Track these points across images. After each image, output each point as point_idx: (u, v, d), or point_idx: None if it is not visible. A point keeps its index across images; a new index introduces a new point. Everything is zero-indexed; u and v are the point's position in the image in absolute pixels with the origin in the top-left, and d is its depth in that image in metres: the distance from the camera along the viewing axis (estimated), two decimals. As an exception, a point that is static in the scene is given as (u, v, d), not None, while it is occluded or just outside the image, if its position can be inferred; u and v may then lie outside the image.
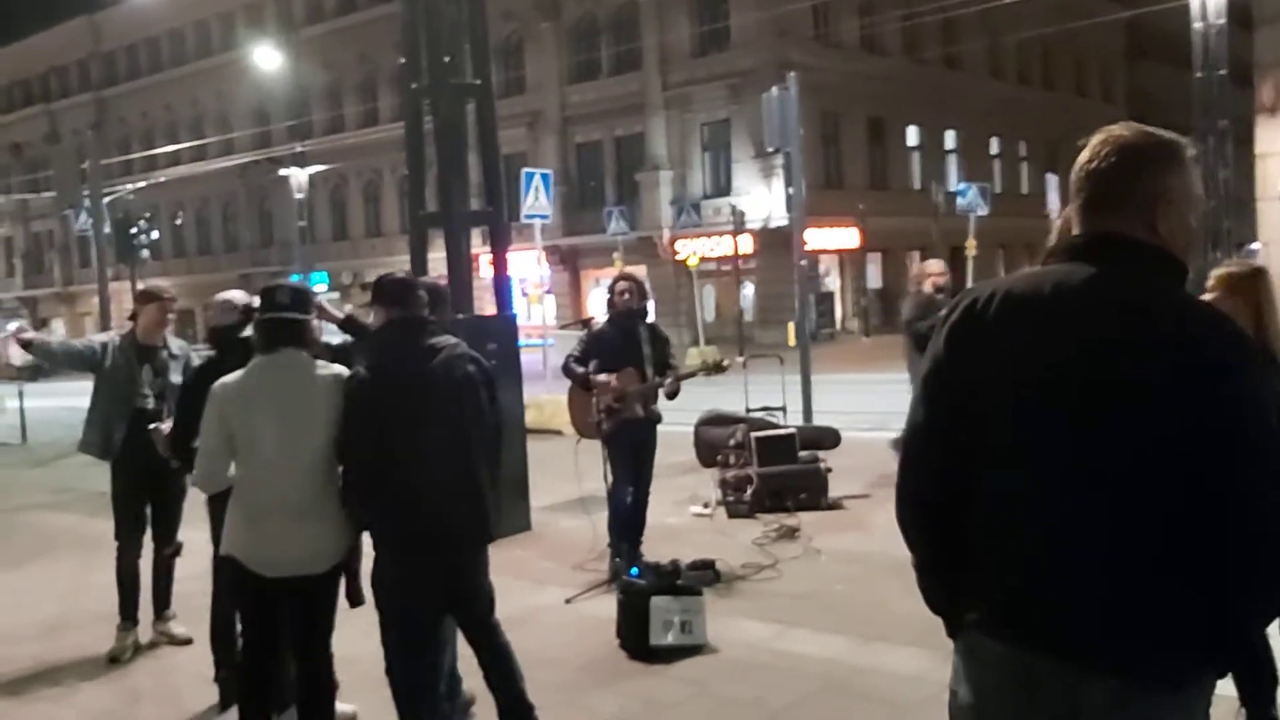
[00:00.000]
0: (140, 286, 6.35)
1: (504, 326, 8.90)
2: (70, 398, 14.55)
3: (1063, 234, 3.00)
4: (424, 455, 4.17)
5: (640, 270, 33.72)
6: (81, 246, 50.59)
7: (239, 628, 4.64)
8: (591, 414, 7.21)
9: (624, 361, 7.25)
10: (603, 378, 7.16)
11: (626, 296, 7.42)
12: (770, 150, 14.28)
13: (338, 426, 4.16)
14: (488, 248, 9.67)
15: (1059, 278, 2.10)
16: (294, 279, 14.71)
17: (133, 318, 6.36)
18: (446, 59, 8.90)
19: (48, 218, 57.54)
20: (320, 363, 4.28)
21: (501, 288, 9.19)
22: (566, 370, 7.43)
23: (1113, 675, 1.96)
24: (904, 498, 2.25)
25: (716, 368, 7.79)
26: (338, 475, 4.24)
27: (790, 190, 13.53)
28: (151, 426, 6.03)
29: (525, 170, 16.13)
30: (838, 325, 37.41)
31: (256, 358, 4.26)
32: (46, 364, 6.35)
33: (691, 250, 34.58)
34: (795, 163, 12.80)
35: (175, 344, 6.43)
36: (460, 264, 8.79)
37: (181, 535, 6.45)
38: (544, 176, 16.04)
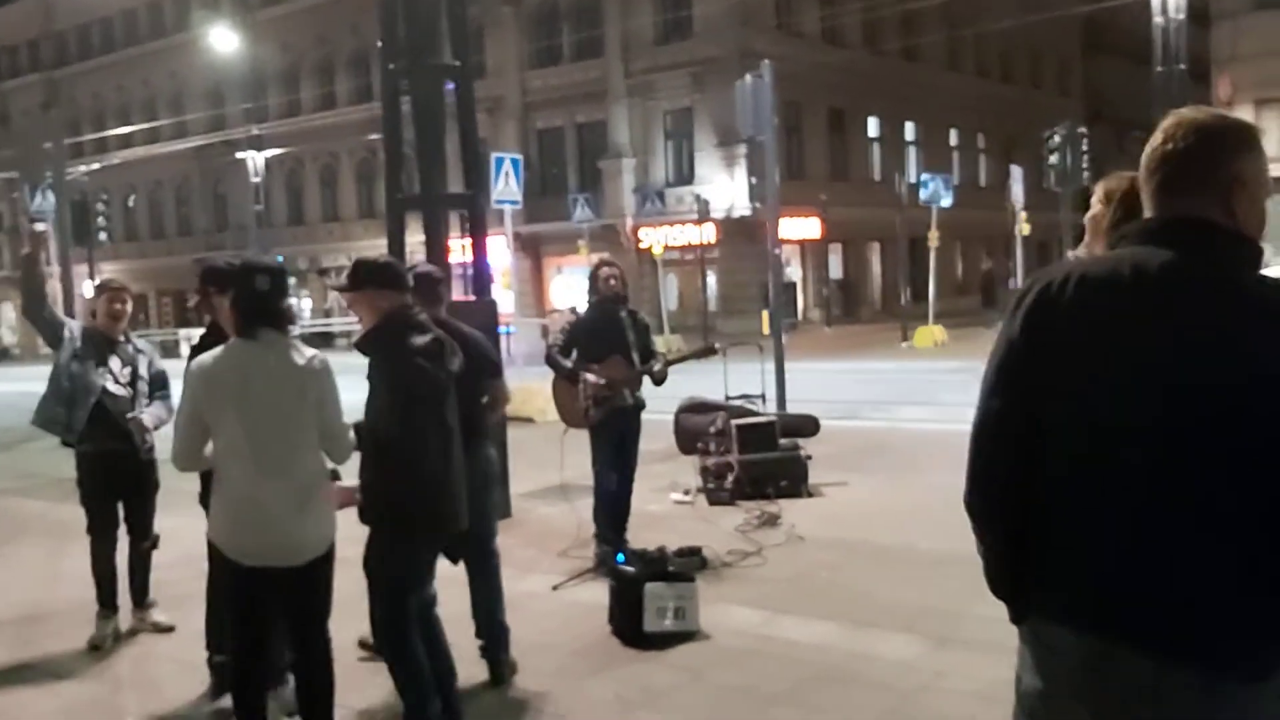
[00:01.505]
0: (98, 278, 6.25)
1: (485, 311, 8.80)
2: (28, 383, 14.24)
3: (1096, 223, 2.97)
4: (450, 439, 4.37)
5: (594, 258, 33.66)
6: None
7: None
8: (579, 403, 7.16)
9: (609, 349, 7.19)
10: (591, 377, 7.10)
11: (613, 282, 7.36)
12: (744, 139, 14.19)
13: (329, 409, 4.11)
14: (454, 233, 9.56)
15: (1137, 261, 2.07)
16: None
17: (94, 314, 6.29)
18: (424, 40, 8.79)
19: (-3, 199, 56.52)
20: (300, 345, 4.18)
21: (481, 272, 9.11)
22: (551, 362, 7.35)
23: (1196, 666, 1.94)
24: (979, 485, 2.20)
25: (708, 351, 7.76)
26: (322, 461, 4.17)
27: (753, 180, 13.50)
28: (129, 416, 5.93)
29: (495, 155, 16.01)
30: (799, 315, 37.53)
31: (232, 340, 4.14)
32: (34, 303, 6.15)
33: (654, 239, 34.53)
34: (769, 150, 12.80)
35: (140, 342, 6.36)
36: (439, 248, 8.70)
37: (157, 524, 6.35)
38: (514, 161, 15.93)
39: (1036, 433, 2.09)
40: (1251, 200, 2.11)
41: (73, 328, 6.16)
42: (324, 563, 4.11)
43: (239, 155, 39.64)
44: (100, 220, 19.58)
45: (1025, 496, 2.12)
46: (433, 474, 4.27)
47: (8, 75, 58.51)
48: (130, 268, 48.68)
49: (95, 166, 40.17)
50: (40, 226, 6.17)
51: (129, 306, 6.28)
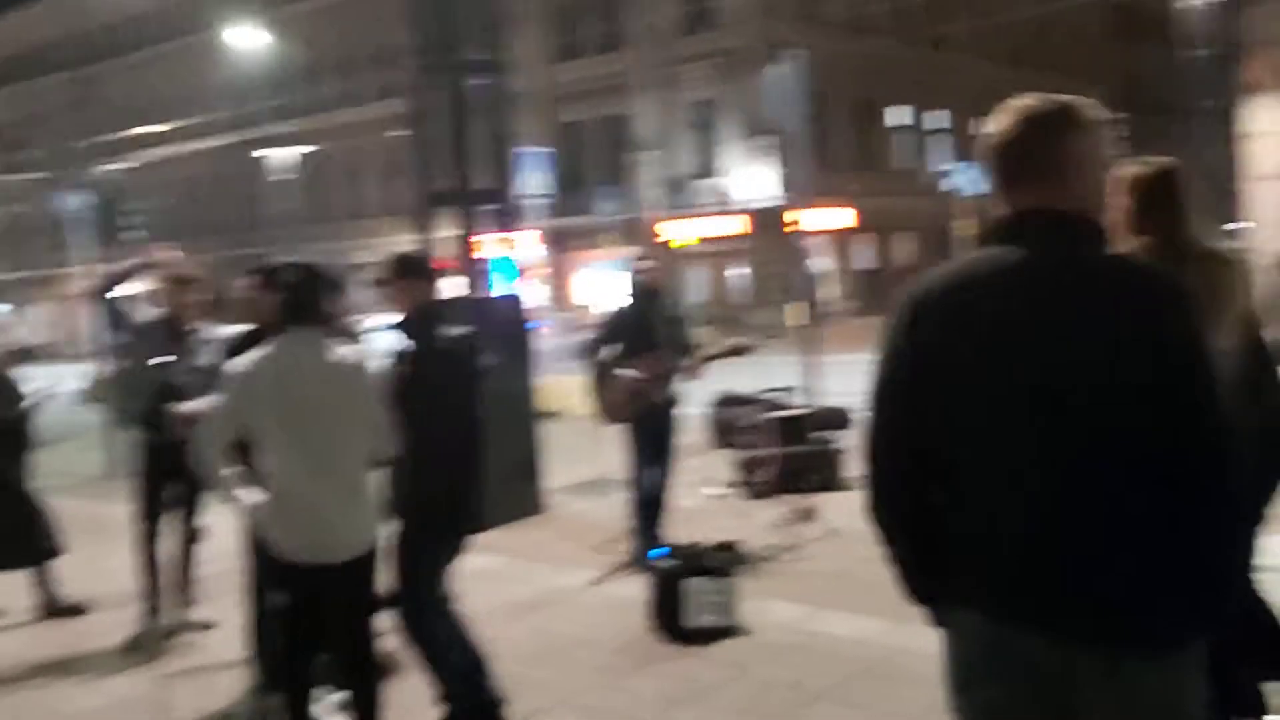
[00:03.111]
0: (175, 272, 6.27)
1: (511, 307, 8.80)
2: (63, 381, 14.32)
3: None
4: (472, 433, 4.51)
5: (628, 252, 33.64)
6: (60, 229, 50.02)
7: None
8: (614, 398, 7.13)
9: (645, 343, 7.16)
10: (630, 373, 7.07)
11: (649, 277, 7.32)
12: (771, 129, 14.11)
13: (374, 404, 4.09)
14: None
15: (994, 261, 2.11)
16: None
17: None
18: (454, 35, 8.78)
19: (26, 199, 56.85)
20: (340, 341, 4.16)
21: (509, 268, 9.09)
22: (585, 356, 7.34)
23: (1099, 647, 1.98)
24: (880, 496, 2.24)
25: (742, 348, 7.70)
26: (364, 457, 4.15)
27: (786, 169, 13.43)
28: (167, 406, 5.90)
29: (526, 150, 15.97)
30: (829, 306, 37.37)
31: (272, 339, 4.15)
32: (100, 302, 6.33)
33: (680, 232, 34.45)
34: (799, 140, 12.68)
35: (211, 332, 6.31)
36: (470, 244, 8.68)
37: (203, 520, 6.38)
38: (543, 156, 15.89)
39: (929, 437, 2.13)
40: (1090, 179, 2.14)
41: (136, 323, 6.20)
42: (370, 559, 4.11)
43: (265, 153, 39.87)
44: (130, 219, 19.69)
45: (924, 499, 2.16)
46: (450, 468, 4.40)
47: (37, 74, 58.91)
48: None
49: (125, 165, 40.41)
50: (166, 256, 6.27)
51: (188, 298, 6.25)
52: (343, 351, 4.11)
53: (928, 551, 2.18)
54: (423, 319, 4.45)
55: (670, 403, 7.30)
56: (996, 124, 2.19)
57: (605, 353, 7.23)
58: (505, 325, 8.41)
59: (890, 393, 2.19)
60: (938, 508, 2.14)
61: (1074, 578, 1.98)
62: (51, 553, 6.84)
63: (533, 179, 15.31)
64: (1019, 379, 2.02)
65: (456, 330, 4.47)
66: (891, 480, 2.21)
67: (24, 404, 6.82)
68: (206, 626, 6.28)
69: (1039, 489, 2.01)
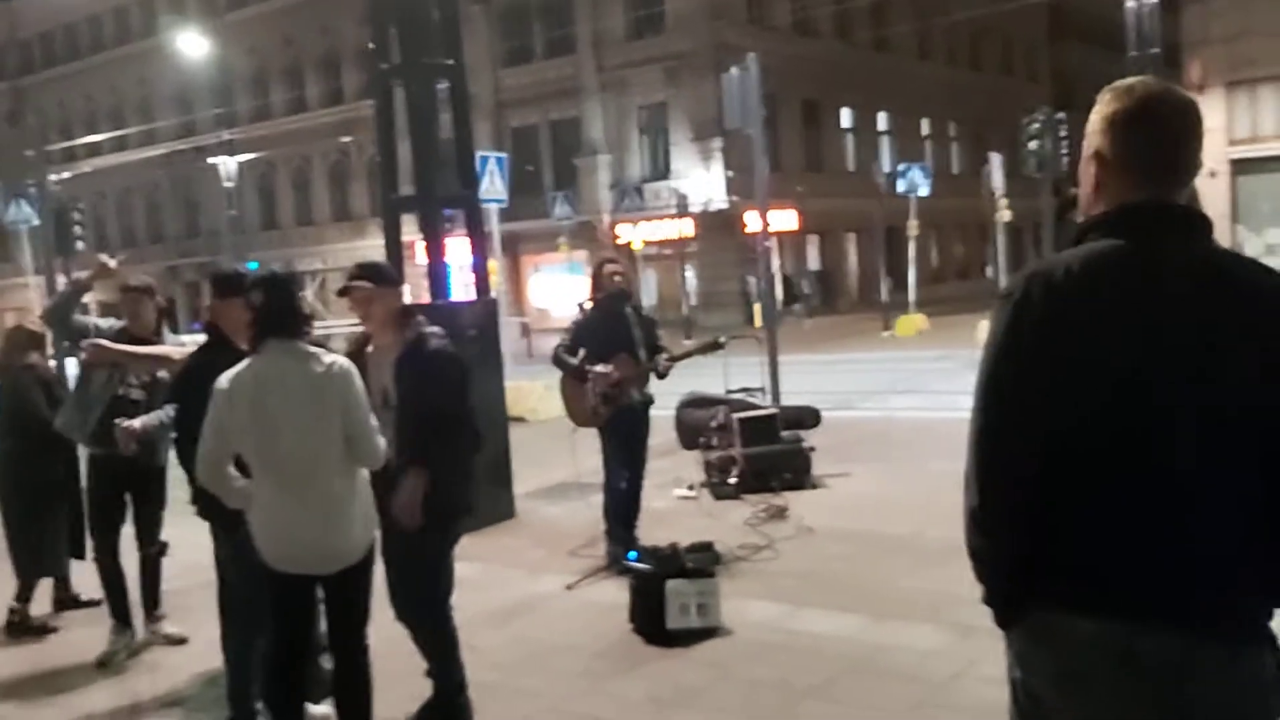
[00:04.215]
0: (129, 281, 6.14)
1: (484, 312, 8.75)
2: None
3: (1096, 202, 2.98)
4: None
5: (582, 255, 33.59)
6: (8, 238, 48.86)
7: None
8: (587, 402, 7.11)
9: (615, 346, 7.13)
10: (599, 368, 7.04)
11: (617, 279, 7.30)
12: (728, 131, 14.18)
13: (355, 414, 4.02)
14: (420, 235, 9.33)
15: (1128, 254, 2.05)
16: (251, 266, 14.42)
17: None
18: (417, 39, 8.70)
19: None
20: (319, 352, 4.08)
21: (479, 272, 9.03)
22: (557, 360, 7.29)
23: (1222, 636, 1.98)
24: (993, 495, 2.11)
25: (714, 346, 7.70)
26: (350, 467, 4.08)
27: (729, 173, 13.48)
28: (115, 421, 5.66)
29: (480, 154, 15.84)
30: (778, 307, 37.52)
31: (253, 355, 4.07)
32: (57, 313, 6.27)
33: (633, 235, 34.48)
34: (757, 143, 12.76)
35: (171, 340, 6.16)
36: (437, 249, 8.61)
37: (166, 533, 6.26)
38: (499, 160, 15.81)
39: (1048, 433, 2.05)
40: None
41: (101, 330, 6.05)
42: (360, 571, 4.04)
43: (212, 160, 39.32)
44: (77, 229, 19.29)
45: (1037, 499, 2.07)
46: (470, 461, 4.64)
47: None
48: (102, 276, 48.09)
49: (65, 175, 39.65)
50: (113, 263, 6.14)
51: (146, 306, 6.03)
52: (326, 360, 4.04)
53: (1027, 551, 2.08)
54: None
55: (643, 404, 7.29)
56: (1130, 109, 2.09)
57: (575, 356, 7.19)
58: (475, 329, 8.35)
59: (1008, 382, 2.08)
60: (1043, 505, 2.06)
61: (1204, 570, 1.97)
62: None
63: (489, 183, 15.22)
64: (1156, 371, 1.98)
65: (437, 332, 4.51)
66: (1007, 481, 2.10)
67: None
68: (177, 641, 6.15)
69: (1171, 480, 1.98)
